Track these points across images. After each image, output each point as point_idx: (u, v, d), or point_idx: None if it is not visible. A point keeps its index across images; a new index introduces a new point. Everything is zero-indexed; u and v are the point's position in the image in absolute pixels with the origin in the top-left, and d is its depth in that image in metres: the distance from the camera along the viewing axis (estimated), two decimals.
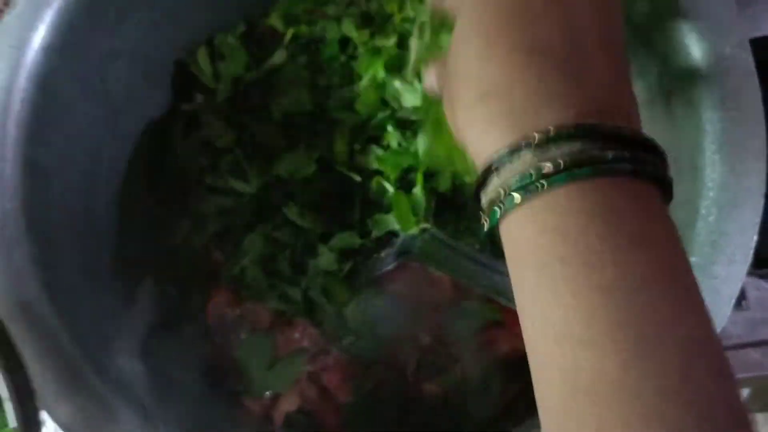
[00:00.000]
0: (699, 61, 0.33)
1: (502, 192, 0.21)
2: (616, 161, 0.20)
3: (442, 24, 0.28)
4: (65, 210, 0.40)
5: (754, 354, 0.47)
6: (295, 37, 0.45)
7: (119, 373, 0.34)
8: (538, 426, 0.23)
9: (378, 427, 0.44)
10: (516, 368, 0.43)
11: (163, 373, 0.38)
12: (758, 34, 0.51)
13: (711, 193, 0.32)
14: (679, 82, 0.34)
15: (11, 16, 0.37)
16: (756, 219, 0.31)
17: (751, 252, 0.31)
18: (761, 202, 0.31)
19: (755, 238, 0.31)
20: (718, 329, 0.30)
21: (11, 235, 0.34)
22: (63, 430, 0.32)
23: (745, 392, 0.51)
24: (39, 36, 0.37)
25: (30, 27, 0.37)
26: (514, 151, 0.21)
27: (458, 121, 0.23)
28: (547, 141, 0.20)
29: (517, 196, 0.20)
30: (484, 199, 0.22)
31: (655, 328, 0.19)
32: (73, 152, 0.41)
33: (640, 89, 0.38)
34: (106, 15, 0.40)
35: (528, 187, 0.20)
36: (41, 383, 0.31)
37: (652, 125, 0.35)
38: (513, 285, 0.22)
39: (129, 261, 0.45)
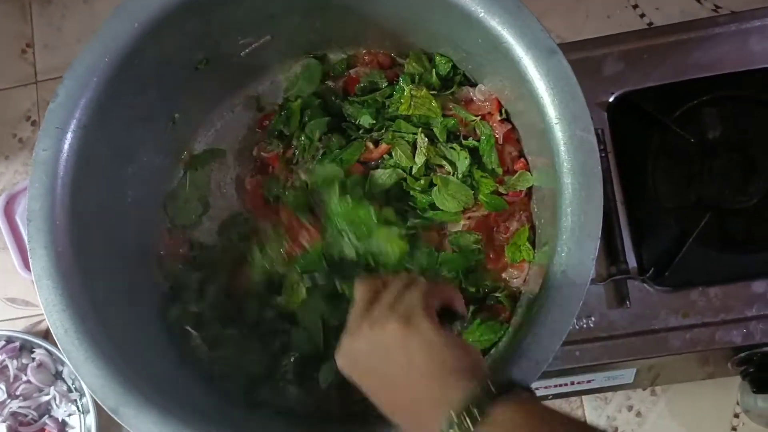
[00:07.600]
0: (560, 139, 0.45)
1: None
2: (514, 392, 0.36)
3: None
4: (99, 245, 0.53)
5: (636, 342, 0.60)
6: None
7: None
8: None
9: None
10: None
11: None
12: (648, 84, 0.63)
13: (564, 236, 0.44)
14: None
15: (54, 105, 0.49)
16: (592, 255, 0.44)
17: (590, 277, 0.43)
18: (597, 243, 0.44)
19: (592, 268, 0.44)
20: (565, 333, 0.43)
21: (66, 270, 0.47)
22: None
23: (632, 372, 0.64)
24: (76, 118, 0.50)
25: (69, 112, 0.49)
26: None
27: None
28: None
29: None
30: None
31: None
32: (104, 199, 0.54)
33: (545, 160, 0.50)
34: (126, 94, 0.53)
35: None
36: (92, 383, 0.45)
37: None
38: None
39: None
